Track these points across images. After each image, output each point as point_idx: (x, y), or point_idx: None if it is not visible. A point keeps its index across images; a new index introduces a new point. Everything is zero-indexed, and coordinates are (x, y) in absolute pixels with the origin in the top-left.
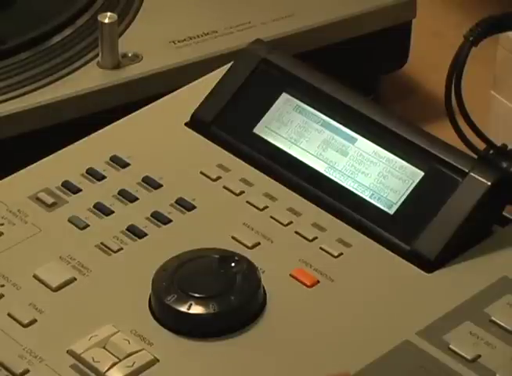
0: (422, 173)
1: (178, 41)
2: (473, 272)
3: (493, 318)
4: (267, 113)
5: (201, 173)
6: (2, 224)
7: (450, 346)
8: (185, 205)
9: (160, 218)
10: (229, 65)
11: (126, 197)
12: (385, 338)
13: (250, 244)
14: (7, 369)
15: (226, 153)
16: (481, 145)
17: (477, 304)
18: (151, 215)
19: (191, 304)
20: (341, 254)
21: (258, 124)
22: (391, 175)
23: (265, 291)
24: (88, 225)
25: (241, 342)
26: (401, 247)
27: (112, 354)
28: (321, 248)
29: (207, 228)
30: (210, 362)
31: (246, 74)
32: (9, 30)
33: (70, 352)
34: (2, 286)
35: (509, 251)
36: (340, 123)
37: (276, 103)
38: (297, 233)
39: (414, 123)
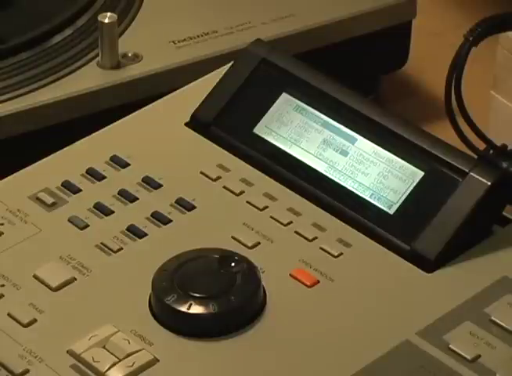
0: (422, 173)
1: (178, 41)
2: (473, 272)
3: (493, 318)
4: (267, 113)
5: (201, 173)
6: (2, 224)
7: (450, 346)
8: (185, 205)
9: (160, 218)
10: (229, 65)
11: (126, 197)
12: (385, 338)
13: (250, 244)
14: (7, 369)
15: (226, 153)
16: (481, 145)
17: (477, 304)
18: (151, 215)
19: (191, 304)
20: (341, 254)
21: (258, 124)
22: (391, 175)
23: (264, 290)
24: (88, 225)
25: (241, 342)
26: (401, 247)
27: (112, 354)
28: (321, 248)
29: (207, 228)
30: (210, 362)
31: (246, 74)
32: (9, 30)
33: (70, 352)
34: (2, 286)
35: (509, 251)
36: (340, 123)
37: (276, 103)
38: (297, 233)
39: (414, 123)
